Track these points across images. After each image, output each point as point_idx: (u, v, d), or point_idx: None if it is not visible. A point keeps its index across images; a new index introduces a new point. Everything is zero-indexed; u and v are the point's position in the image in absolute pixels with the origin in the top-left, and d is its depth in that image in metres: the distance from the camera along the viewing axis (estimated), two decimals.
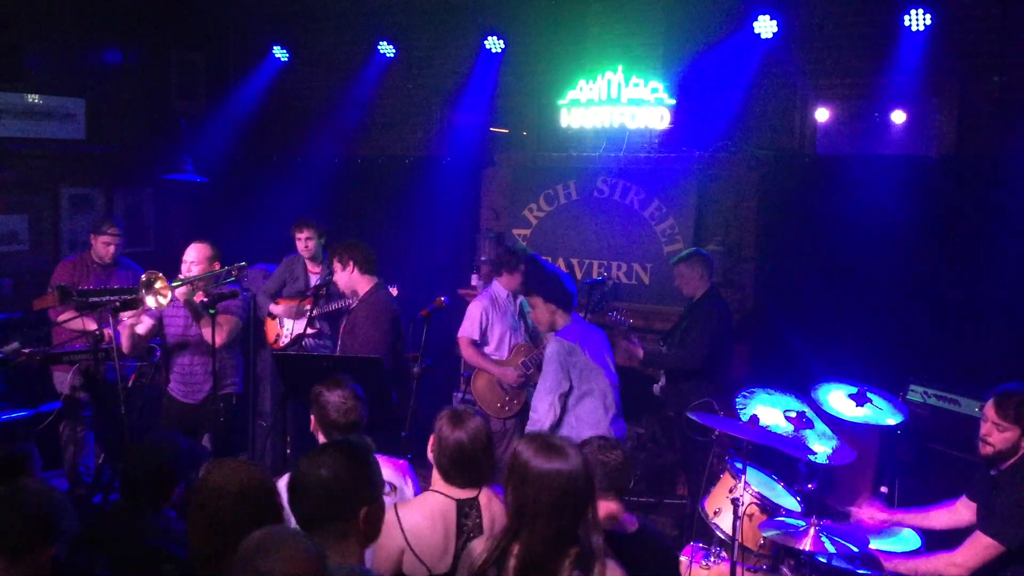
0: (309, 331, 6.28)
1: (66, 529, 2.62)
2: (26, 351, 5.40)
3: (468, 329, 5.94)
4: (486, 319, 5.91)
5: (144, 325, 5.30)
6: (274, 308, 6.43)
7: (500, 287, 6.00)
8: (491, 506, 3.14)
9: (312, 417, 3.57)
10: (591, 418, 4.64)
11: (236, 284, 5.38)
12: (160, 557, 3.01)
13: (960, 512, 4.00)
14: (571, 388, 4.65)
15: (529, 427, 4.69)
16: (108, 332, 5.68)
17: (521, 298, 6.08)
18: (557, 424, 4.64)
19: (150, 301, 4.96)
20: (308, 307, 6.30)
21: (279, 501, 2.64)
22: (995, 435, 3.63)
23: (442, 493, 3.12)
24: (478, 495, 3.14)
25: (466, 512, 3.10)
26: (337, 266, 5.29)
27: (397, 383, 5.21)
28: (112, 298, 5.20)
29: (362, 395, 3.56)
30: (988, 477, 3.78)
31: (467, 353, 5.96)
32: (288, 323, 6.47)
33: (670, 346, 5.81)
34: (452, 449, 3.12)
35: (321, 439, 3.52)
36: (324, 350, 6.19)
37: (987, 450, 3.67)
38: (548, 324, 4.84)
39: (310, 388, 5.08)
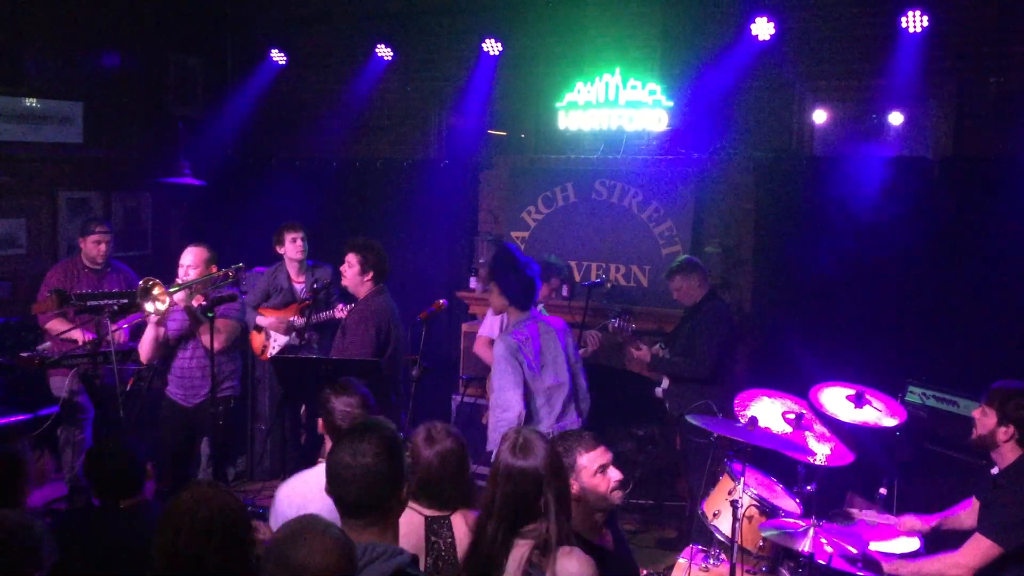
0: (298, 342, 6.27)
1: (47, 557, 2.62)
2: (24, 355, 5.40)
3: (488, 328, 5.98)
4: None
5: (165, 329, 5.31)
6: (261, 320, 6.34)
7: None
8: (464, 528, 3.02)
9: (319, 420, 3.53)
10: (535, 417, 4.65)
11: (235, 287, 5.38)
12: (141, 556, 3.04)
13: (975, 512, 4.01)
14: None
15: (502, 424, 4.67)
16: (86, 338, 5.69)
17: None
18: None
19: (148, 308, 4.95)
20: (296, 318, 6.29)
21: (251, 536, 2.60)
22: (979, 421, 3.80)
23: (410, 507, 2.93)
24: (451, 515, 3.02)
25: (435, 530, 2.99)
26: (356, 266, 5.21)
27: (394, 386, 5.22)
28: (110, 302, 5.20)
29: (372, 403, 3.50)
30: (990, 476, 3.82)
31: (483, 352, 5.95)
32: (275, 334, 6.44)
33: (673, 349, 5.80)
34: (421, 468, 2.99)
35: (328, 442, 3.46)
36: None
37: (974, 435, 3.84)
38: (499, 310, 5.00)
39: (307, 391, 5.12)
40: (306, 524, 2.14)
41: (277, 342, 6.38)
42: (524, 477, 2.81)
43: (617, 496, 3.24)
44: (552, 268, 6.07)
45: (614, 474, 3.23)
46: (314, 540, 2.07)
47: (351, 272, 5.24)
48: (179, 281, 5.17)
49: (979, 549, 3.59)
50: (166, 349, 5.36)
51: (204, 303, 5.11)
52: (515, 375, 4.61)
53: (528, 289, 4.77)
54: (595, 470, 3.19)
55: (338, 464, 2.40)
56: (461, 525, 3.02)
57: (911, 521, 4.24)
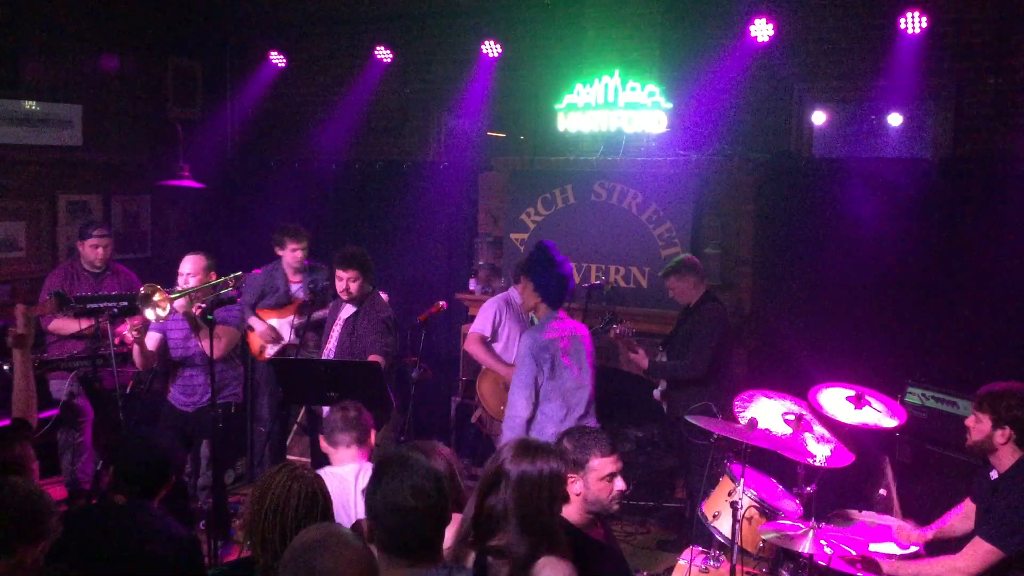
0: (296, 341, 6.25)
1: (52, 529, 2.63)
2: None
3: (480, 326, 5.95)
4: (499, 318, 5.94)
5: (152, 341, 5.32)
6: (255, 323, 6.32)
7: (516, 292, 6.00)
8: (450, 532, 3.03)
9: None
10: (555, 416, 4.62)
11: (234, 291, 5.37)
12: (143, 555, 3.06)
13: (971, 516, 4.00)
14: (543, 383, 4.65)
15: (508, 422, 4.65)
16: (85, 326, 5.68)
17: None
18: (531, 418, 4.64)
19: (149, 314, 4.95)
20: (294, 317, 6.26)
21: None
22: (973, 428, 3.79)
23: None
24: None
25: None
26: (361, 276, 5.34)
27: (395, 387, 5.23)
28: (110, 304, 5.20)
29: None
30: (988, 480, 3.80)
31: (475, 349, 5.92)
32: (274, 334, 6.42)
33: (670, 352, 5.78)
34: None
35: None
36: None
37: (968, 440, 3.83)
38: (530, 308, 4.95)
39: (308, 393, 5.12)
40: (329, 533, 2.09)
41: (275, 342, 6.38)
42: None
43: (616, 506, 3.20)
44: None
45: (619, 484, 3.17)
46: (340, 549, 2.01)
47: (361, 285, 5.36)
48: (179, 288, 5.17)
49: (979, 553, 3.59)
50: (165, 357, 5.38)
51: (203, 307, 5.10)
52: (527, 376, 4.60)
53: (562, 288, 4.77)
54: (604, 476, 3.13)
55: (397, 507, 2.26)
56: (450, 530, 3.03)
57: (909, 531, 4.22)
